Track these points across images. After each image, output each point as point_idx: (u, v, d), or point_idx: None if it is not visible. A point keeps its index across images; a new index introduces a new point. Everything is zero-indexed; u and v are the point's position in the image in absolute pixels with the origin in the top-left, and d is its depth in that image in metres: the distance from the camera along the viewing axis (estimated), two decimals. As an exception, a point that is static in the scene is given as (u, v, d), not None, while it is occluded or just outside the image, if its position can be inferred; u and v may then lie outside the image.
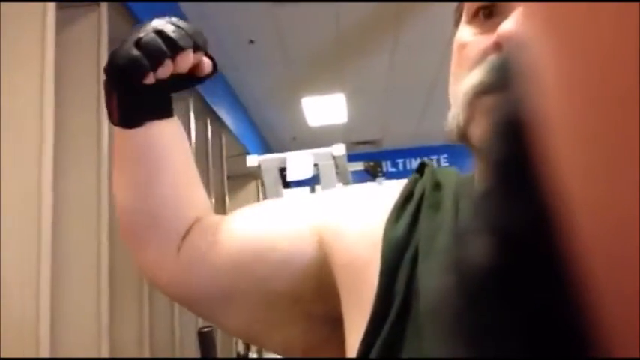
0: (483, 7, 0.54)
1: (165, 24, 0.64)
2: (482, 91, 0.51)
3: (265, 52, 4.16)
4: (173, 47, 0.63)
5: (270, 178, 2.34)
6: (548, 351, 0.16)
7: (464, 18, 0.57)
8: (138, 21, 2.69)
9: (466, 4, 0.57)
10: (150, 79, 0.63)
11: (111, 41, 2.38)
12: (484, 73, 0.51)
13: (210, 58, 0.69)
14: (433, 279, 0.52)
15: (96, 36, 2.29)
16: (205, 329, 1.84)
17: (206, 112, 3.73)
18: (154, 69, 0.63)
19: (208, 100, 3.72)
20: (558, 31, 0.14)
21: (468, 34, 0.55)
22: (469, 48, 0.54)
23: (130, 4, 2.64)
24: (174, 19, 0.65)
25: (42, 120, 1.82)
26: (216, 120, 4.06)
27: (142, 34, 0.63)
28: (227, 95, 4.57)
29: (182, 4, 3.34)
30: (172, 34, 0.63)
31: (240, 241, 0.66)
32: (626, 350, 0.14)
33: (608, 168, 0.13)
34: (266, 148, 5.89)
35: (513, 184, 0.17)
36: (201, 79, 0.70)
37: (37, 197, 1.78)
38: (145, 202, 0.69)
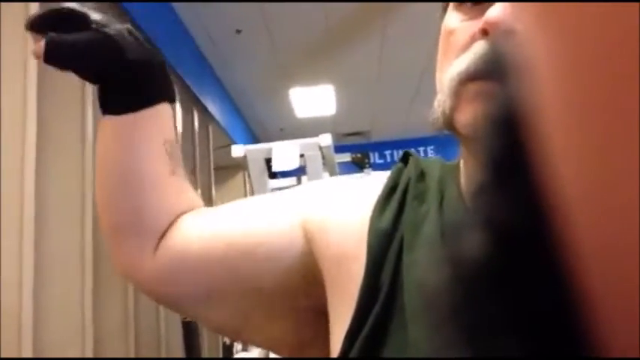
0: None
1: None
2: (468, 78, 0.51)
3: (253, 42, 4.13)
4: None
5: (256, 168, 2.33)
6: (544, 346, 0.16)
7: (451, 4, 0.57)
8: (126, 14, 2.66)
9: None
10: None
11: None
12: (471, 60, 0.51)
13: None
14: (418, 271, 0.52)
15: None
16: (190, 320, 1.83)
17: (193, 102, 3.70)
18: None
19: (195, 90, 3.69)
20: (552, 19, 0.14)
21: (455, 20, 0.55)
22: (456, 34, 0.54)
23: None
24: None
25: (25, 118, 1.81)
26: (203, 111, 4.03)
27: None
28: (214, 86, 4.54)
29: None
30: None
31: (225, 238, 0.64)
32: (625, 347, 0.14)
33: (603, 158, 0.13)
34: (254, 140, 5.87)
35: (508, 178, 0.17)
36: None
37: (20, 192, 1.76)
38: (123, 199, 0.67)
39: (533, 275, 0.16)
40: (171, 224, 0.68)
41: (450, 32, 0.55)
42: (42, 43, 0.62)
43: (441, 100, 0.53)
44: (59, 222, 2.08)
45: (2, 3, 1.81)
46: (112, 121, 0.66)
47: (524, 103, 0.16)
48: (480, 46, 0.51)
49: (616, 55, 0.12)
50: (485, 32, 0.51)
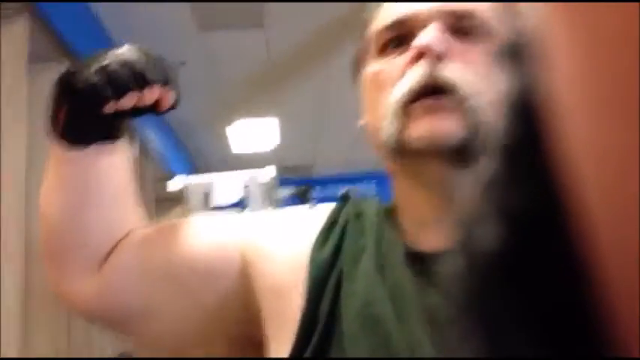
0: (391, 39, 0.58)
1: (135, 53, 0.62)
2: (413, 98, 0.54)
3: (195, 75, 4.10)
4: (140, 80, 0.60)
5: (196, 201, 2.28)
6: (559, 340, 0.16)
7: (372, 55, 0.61)
8: (60, 39, 2.58)
9: (372, 41, 0.61)
10: (110, 109, 0.61)
11: (32, 59, 2.27)
12: (411, 83, 0.54)
13: (175, 90, 0.67)
14: (356, 301, 0.54)
15: (15, 52, 2.17)
16: (126, 355, 1.74)
17: (133, 132, 3.61)
18: (117, 99, 0.60)
19: (134, 121, 3.61)
20: (571, 11, 0.13)
21: (378, 65, 0.59)
22: (385, 72, 0.58)
23: (52, 17, 2.52)
24: (145, 49, 0.63)
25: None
26: (143, 142, 3.95)
27: (109, 62, 0.60)
28: (155, 117, 4.46)
29: (108, 24, 3.24)
30: (141, 66, 0.61)
31: (167, 253, 0.65)
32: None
33: (621, 148, 0.13)
34: (195, 171, 5.78)
35: (525, 167, 0.17)
36: (160, 112, 0.67)
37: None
38: (71, 224, 0.66)
39: (549, 266, 0.16)
40: (116, 244, 0.68)
41: (378, 72, 0.59)
42: (170, 95, 0.65)
43: (389, 122, 0.55)
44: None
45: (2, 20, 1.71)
46: (75, 152, 0.65)
47: (541, 92, 0.16)
48: (416, 71, 0.55)
49: (633, 43, 0.12)
50: (419, 56, 0.54)
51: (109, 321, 0.69)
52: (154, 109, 0.66)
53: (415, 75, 0.54)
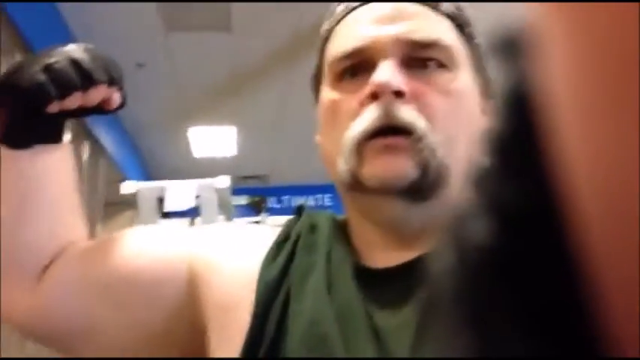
0: (347, 68, 0.58)
1: (81, 52, 0.60)
2: (368, 136, 0.54)
3: (154, 76, 4.04)
4: (86, 80, 0.59)
5: (147, 207, 2.23)
6: (550, 337, 0.16)
7: (327, 82, 0.60)
8: (19, 33, 2.51)
9: (328, 67, 0.60)
10: (53, 108, 0.59)
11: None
12: (368, 122, 0.54)
13: (121, 91, 0.66)
14: (303, 320, 0.53)
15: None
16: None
17: (83, 132, 3.52)
18: (61, 99, 0.58)
19: (87, 120, 3.52)
20: (565, 10, 0.14)
21: (336, 95, 0.58)
22: (343, 104, 0.57)
23: (11, 11, 2.45)
24: (90, 48, 0.61)
25: None
26: (95, 142, 3.85)
27: (53, 60, 0.58)
28: (108, 117, 4.37)
29: (70, 20, 3.16)
30: (87, 66, 0.59)
31: (107, 267, 0.63)
32: (633, 340, 0.13)
33: (614, 143, 0.13)
34: (148, 177, 5.67)
35: (517, 161, 0.17)
36: (105, 112, 0.66)
37: None
38: (7, 234, 0.63)
39: (541, 263, 0.16)
40: (57, 254, 0.65)
41: (334, 103, 0.58)
42: (117, 95, 0.64)
43: (346, 158, 0.55)
44: None
45: None
46: (18, 152, 0.63)
47: (534, 86, 0.16)
48: (372, 110, 0.54)
49: (628, 39, 0.12)
50: (375, 95, 0.54)
51: (46, 338, 0.66)
52: (100, 109, 0.65)
53: (371, 115, 0.54)
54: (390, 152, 0.54)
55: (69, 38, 3.25)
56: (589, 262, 0.14)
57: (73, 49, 0.60)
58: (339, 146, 0.56)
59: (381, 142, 0.54)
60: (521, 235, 0.16)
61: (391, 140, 0.54)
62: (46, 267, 0.64)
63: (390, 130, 0.53)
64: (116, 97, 0.65)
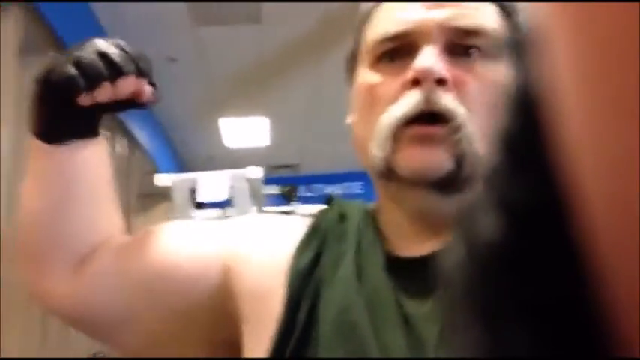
0: (388, 51, 0.57)
1: (109, 46, 0.62)
2: (407, 122, 0.53)
3: (186, 70, 4.08)
4: (114, 71, 0.61)
5: (181, 198, 2.27)
6: (559, 329, 0.16)
7: (365, 64, 0.59)
8: (53, 31, 2.56)
9: (367, 49, 0.59)
10: (85, 101, 0.61)
11: (23, 51, 2.24)
12: (407, 107, 0.53)
13: (153, 84, 0.66)
14: (333, 307, 0.54)
15: (2, 41, 2.14)
16: (100, 355, 1.72)
17: (117, 126, 3.59)
18: (91, 91, 0.60)
19: (121, 114, 3.58)
20: (570, 10, 0.14)
21: (375, 77, 0.57)
22: (382, 88, 0.56)
23: (44, 10, 2.50)
24: (119, 42, 0.63)
25: None
26: (129, 135, 3.92)
27: (82, 53, 0.61)
28: (142, 111, 4.43)
29: (102, 17, 3.21)
30: (115, 58, 0.61)
31: (145, 260, 0.65)
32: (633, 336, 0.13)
33: (619, 139, 0.13)
34: (181, 168, 5.74)
35: (525, 158, 0.17)
36: (139, 105, 0.67)
37: None
38: (49, 223, 0.66)
39: (548, 258, 0.16)
40: (94, 248, 0.67)
41: (372, 87, 0.57)
42: (147, 88, 0.65)
43: (381, 143, 0.54)
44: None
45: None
46: (57, 147, 0.65)
47: (541, 84, 0.16)
48: (413, 95, 0.53)
49: (629, 39, 0.12)
50: (416, 81, 0.53)
51: (84, 325, 0.69)
52: (133, 102, 0.66)
53: (411, 100, 0.53)
54: (426, 143, 0.53)
55: (101, 36, 3.31)
56: (596, 257, 0.14)
57: (101, 43, 0.62)
58: (373, 130, 0.55)
59: (418, 130, 0.53)
60: (529, 231, 0.16)
61: (429, 129, 0.53)
62: (85, 257, 0.66)
63: (429, 117, 0.53)
64: (147, 90, 0.65)
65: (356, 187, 6.42)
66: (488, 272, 0.17)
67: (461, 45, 0.55)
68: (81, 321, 0.68)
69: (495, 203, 0.17)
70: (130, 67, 0.62)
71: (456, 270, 0.19)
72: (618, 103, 0.13)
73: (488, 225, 0.17)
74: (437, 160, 0.53)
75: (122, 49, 0.62)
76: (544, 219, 0.16)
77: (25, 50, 2.29)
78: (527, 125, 0.17)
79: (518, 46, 0.18)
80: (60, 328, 2.48)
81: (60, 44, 2.62)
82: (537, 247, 0.16)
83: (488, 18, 0.56)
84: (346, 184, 6.47)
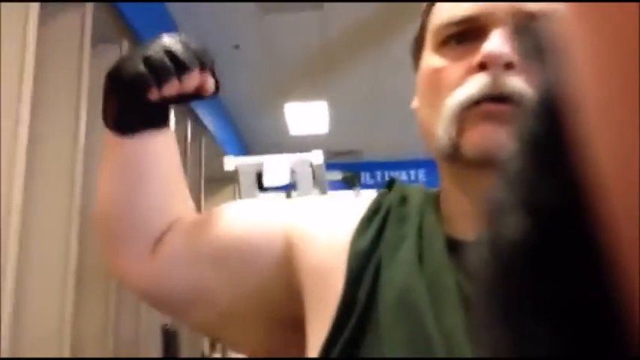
0: (454, 35, 0.55)
1: (174, 43, 0.65)
2: (473, 102, 0.52)
3: (250, 57, 4.16)
4: (180, 67, 0.64)
5: (247, 181, 2.34)
6: (581, 329, 0.16)
7: (430, 47, 0.58)
8: (124, 20, 2.67)
9: (433, 32, 0.58)
10: (154, 96, 0.64)
11: (95, 40, 2.35)
12: (474, 89, 0.52)
13: (215, 77, 0.70)
14: (394, 288, 0.54)
15: (79, 33, 2.26)
16: (170, 327, 1.82)
17: (186, 113, 3.71)
18: (160, 87, 0.64)
19: (187, 104, 3.68)
20: (593, 8, 0.14)
21: (440, 61, 0.56)
22: (446, 72, 0.55)
23: (118, 3, 2.61)
24: (183, 38, 0.66)
25: (17, 117, 1.81)
26: (197, 121, 4.04)
27: (150, 52, 0.64)
28: (199, 101, 4.54)
29: (170, 7, 3.33)
30: (181, 55, 0.64)
31: (214, 236, 0.67)
32: None
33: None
34: (246, 153, 5.87)
35: (549, 160, 0.17)
36: (203, 97, 0.71)
37: (9, 191, 1.76)
38: (125, 207, 0.69)
39: (572, 260, 0.16)
40: (168, 228, 0.71)
41: (438, 70, 0.56)
42: (210, 81, 0.68)
43: (446, 126, 0.54)
44: (45, 225, 2.07)
45: (2, 3, 1.83)
46: (128, 138, 0.69)
47: (564, 86, 0.16)
48: (480, 78, 0.52)
49: None
50: (483, 65, 0.52)
51: (159, 302, 0.72)
52: (198, 94, 0.69)
53: (478, 83, 0.52)
54: (493, 120, 0.52)
55: (172, 26, 3.43)
56: (618, 258, 0.14)
57: (169, 41, 0.65)
58: (439, 113, 0.54)
59: (485, 107, 0.52)
60: (552, 231, 0.17)
61: (497, 107, 0.51)
62: (159, 239, 0.70)
63: (497, 99, 0.51)
64: (210, 83, 0.69)
65: (420, 175, 6.36)
66: (511, 272, 0.18)
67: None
68: (156, 298, 0.72)
69: (519, 204, 0.18)
70: (195, 63, 0.65)
71: (480, 270, 0.19)
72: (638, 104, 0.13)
73: (512, 225, 0.17)
74: (501, 138, 0.51)
75: (187, 46, 0.65)
76: (567, 220, 0.16)
77: (97, 39, 2.39)
78: (550, 126, 0.17)
79: (540, 48, 0.18)
80: (132, 301, 2.62)
81: (133, 34, 2.73)
82: (560, 248, 0.16)
83: (557, 3, 0.54)
84: (409, 171, 6.42)
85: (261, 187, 2.36)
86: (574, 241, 0.16)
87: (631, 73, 0.13)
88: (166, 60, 0.64)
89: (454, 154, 0.54)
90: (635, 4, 0.13)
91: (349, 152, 6.42)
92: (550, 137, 0.17)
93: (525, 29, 0.52)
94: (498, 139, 0.51)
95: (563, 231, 0.16)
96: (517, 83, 0.51)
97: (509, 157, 0.19)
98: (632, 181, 0.13)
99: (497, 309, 0.18)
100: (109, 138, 0.70)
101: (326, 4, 3.50)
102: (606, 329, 0.15)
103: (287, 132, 5.72)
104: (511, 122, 0.49)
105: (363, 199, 0.66)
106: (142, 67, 0.63)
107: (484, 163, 0.52)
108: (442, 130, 0.54)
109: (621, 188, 0.14)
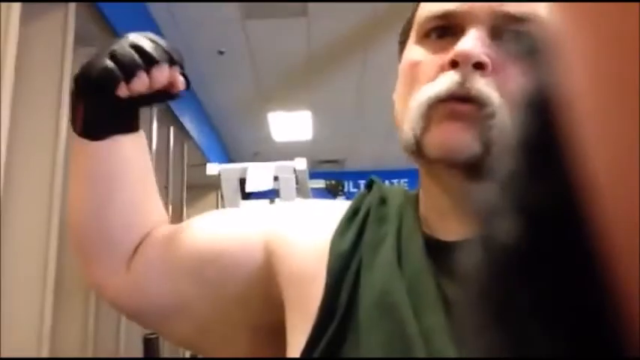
0: (436, 28, 0.56)
1: (141, 38, 0.64)
2: (439, 100, 0.52)
3: (234, 63, 4.16)
4: (148, 60, 0.63)
5: (230, 188, 2.33)
6: (574, 331, 0.16)
7: (413, 39, 0.59)
8: (107, 23, 2.66)
9: (417, 24, 0.58)
10: (123, 92, 0.62)
11: (77, 44, 2.33)
12: (441, 86, 0.52)
13: (183, 75, 0.68)
14: (374, 291, 0.54)
15: (61, 34, 2.23)
16: (151, 336, 1.80)
17: (169, 119, 3.69)
18: (128, 81, 0.62)
19: (173, 107, 3.68)
20: (584, 8, 0.14)
21: (419, 54, 0.57)
22: (422, 66, 0.56)
23: (100, 4, 2.60)
24: (150, 35, 0.65)
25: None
26: (180, 128, 4.02)
27: (116, 47, 0.63)
28: (192, 104, 4.54)
29: (153, 10, 3.32)
30: (148, 48, 0.63)
31: (191, 247, 0.66)
32: None
33: (635, 143, 0.13)
34: (229, 160, 5.85)
35: (542, 162, 0.17)
36: (172, 96, 0.69)
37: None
38: (97, 218, 0.68)
39: (565, 262, 0.16)
40: (142, 239, 0.69)
41: (415, 64, 0.57)
42: (180, 78, 0.66)
43: (413, 123, 0.54)
44: (24, 233, 2.04)
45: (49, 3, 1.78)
46: (95, 144, 0.67)
47: (556, 87, 0.16)
48: (449, 76, 0.53)
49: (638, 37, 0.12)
50: (454, 64, 0.52)
51: (136, 316, 0.71)
52: (168, 93, 0.68)
53: (447, 81, 0.52)
54: (456, 119, 0.52)
55: (153, 26, 3.42)
56: (612, 260, 0.14)
57: (135, 37, 0.64)
58: (409, 108, 0.55)
59: (450, 106, 0.52)
60: (546, 233, 0.17)
61: (461, 107, 0.52)
62: (134, 251, 0.68)
63: (463, 99, 0.52)
64: (180, 80, 0.67)
65: (402, 184, 6.40)
66: (505, 274, 0.17)
67: (508, 30, 0.53)
68: (132, 311, 0.70)
69: (512, 206, 0.17)
70: (163, 57, 0.64)
71: (473, 274, 0.19)
72: (633, 104, 0.13)
73: (505, 228, 0.17)
74: (463, 138, 0.51)
75: (153, 40, 0.64)
76: (561, 222, 0.16)
77: (79, 41, 2.37)
78: (543, 128, 0.17)
79: (531, 49, 0.18)
80: (113, 311, 2.58)
81: (113, 35, 2.72)
82: (554, 250, 0.16)
83: (538, 5, 0.54)
84: (392, 181, 6.46)
85: (244, 194, 2.35)
86: (567, 243, 0.16)
87: (629, 74, 0.13)
88: (133, 53, 0.62)
89: (417, 152, 0.54)
90: (635, 4, 0.13)
91: (332, 161, 6.44)
92: (543, 139, 0.17)
93: (518, 32, 0.52)
94: (461, 139, 0.51)
95: (556, 233, 0.16)
96: (483, 86, 0.51)
97: (502, 158, 0.18)
98: (626, 184, 0.13)
99: (491, 311, 0.18)
100: (77, 144, 0.68)
101: (310, 12, 3.51)
102: (600, 330, 0.15)
103: (269, 140, 5.72)
104: (473, 123, 0.51)
105: (342, 203, 0.66)
106: (109, 62, 0.62)
107: (446, 162, 0.52)
108: (408, 126, 0.54)
109: (615, 190, 0.14)
